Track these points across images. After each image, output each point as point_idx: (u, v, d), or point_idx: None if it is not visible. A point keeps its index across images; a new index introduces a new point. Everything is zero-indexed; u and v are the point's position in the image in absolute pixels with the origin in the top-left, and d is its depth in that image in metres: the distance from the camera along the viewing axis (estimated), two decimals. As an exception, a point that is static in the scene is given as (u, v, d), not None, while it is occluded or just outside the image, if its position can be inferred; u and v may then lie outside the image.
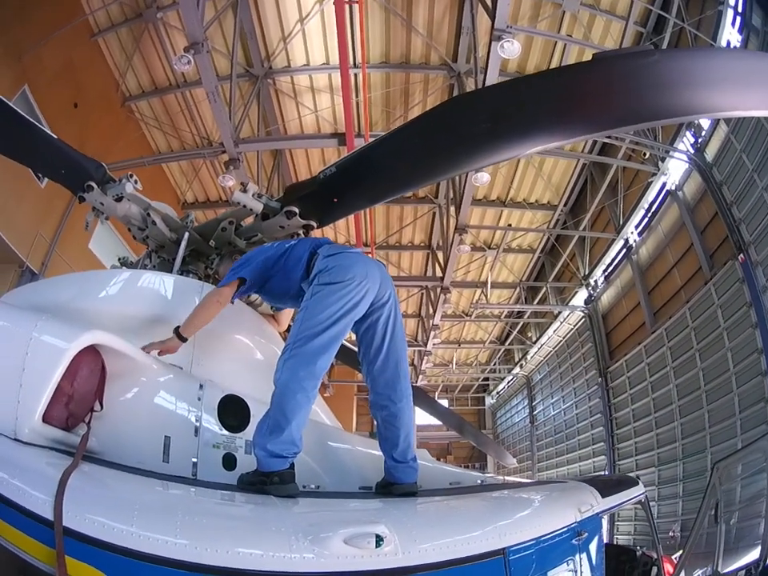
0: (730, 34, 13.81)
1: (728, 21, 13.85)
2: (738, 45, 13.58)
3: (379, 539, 2.38)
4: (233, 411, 3.65)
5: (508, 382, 37.97)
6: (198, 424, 3.50)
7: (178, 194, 21.30)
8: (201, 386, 3.62)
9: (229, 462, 3.52)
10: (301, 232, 4.89)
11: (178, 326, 3.56)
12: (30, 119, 4.68)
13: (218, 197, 21.71)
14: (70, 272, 14.29)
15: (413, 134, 3.98)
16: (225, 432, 3.59)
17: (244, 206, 4.84)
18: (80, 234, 15.23)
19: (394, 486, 3.58)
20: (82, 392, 3.05)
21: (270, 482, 3.07)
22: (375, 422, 3.78)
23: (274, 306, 4.74)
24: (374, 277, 3.57)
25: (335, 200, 4.62)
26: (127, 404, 3.35)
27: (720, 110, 3.41)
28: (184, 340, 3.54)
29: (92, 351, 3.06)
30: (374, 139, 4.23)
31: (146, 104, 18.19)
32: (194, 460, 3.39)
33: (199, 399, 3.57)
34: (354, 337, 3.85)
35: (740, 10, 13.55)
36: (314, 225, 4.88)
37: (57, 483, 2.28)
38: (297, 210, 4.69)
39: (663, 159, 17.42)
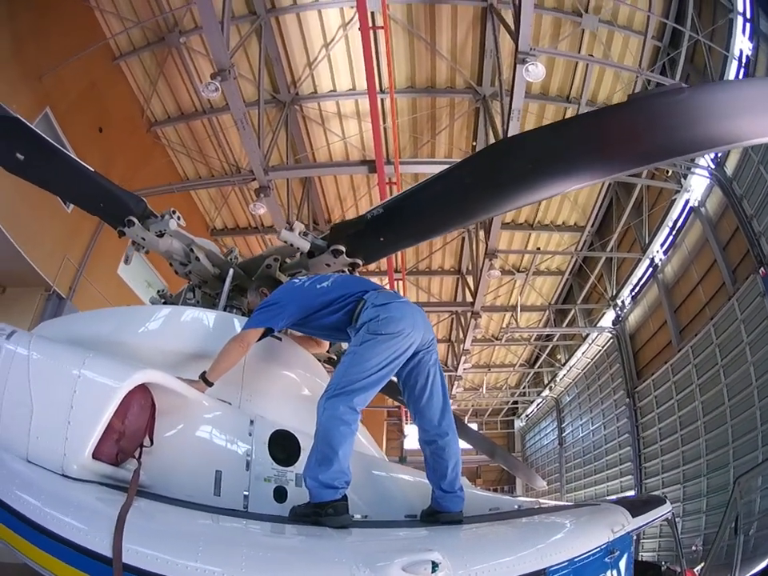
0: (742, 43, 13.86)
1: (738, 29, 13.89)
2: (749, 53, 13.62)
3: (435, 565, 2.43)
4: (283, 445, 3.73)
5: (537, 405, 37.92)
6: (249, 458, 3.56)
7: (206, 220, 21.33)
8: (251, 422, 3.69)
9: (280, 494, 3.58)
10: (346, 269, 4.97)
11: (205, 371, 3.60)
12: (70, 154, 4.75)
13: (247, 223, 21.74)
14: (98, 297, 14.47)
15: (459, 177, 4.13)
16: (276, 466, 3.65)
17: (291, 245, 4.89)
18: (108, 259, 15.39)
19: (440, 514, 3.66)
20: (132, 428, 3.09)
21: (325, 513, 3.14)
22: (423, 455, 3.84)
23: None
24: (419, 327, 3.71)
25: (382, 239, 4.76)
26: (178, 439, 3.40)
27: (747, 138, 3.47)
28: (210, 384, 3.60)
29: (142, 388, 3.10)
30: (421, 181, 4.36)
31: (173, 129, 18.23)
32: (246, 493, 3.45)
33: (250, 434, 3.63)
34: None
35: (748, 16, 13.55)
36: (360, 263, 4.98)
37: (114, 520, 2.30)
38: (343, 249, 4.79)
39: (685, 176, 17.43)
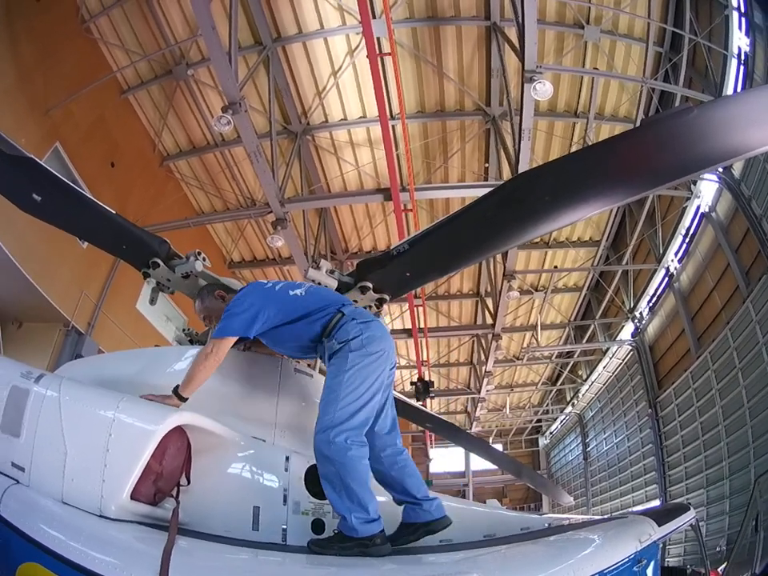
0: (739, 39, 13.85)
1: (735, 25, 13.86)
2: (747, 49, 13.63)
3: None
4: (319, 480, 3.70)
5: (561, 422, 37.75)
6: (286, 493, 3.62)
7: (223, 253, 21.25)
8: (287, 458, 3.75)
9: (318, 526, 3.64)
10: (373, 305, 4.99)
11: (177, 386, 3.50)
12: (89, 196, 4.75)
13: (264, 255, 21.69)
14: (117, 332, 14.48)
15: (481, 212, 4.17)
16: (313, 499, 3.71)
17: (319, 283, 4.89)
18: (126, 294, 15.48)
19: (429, 525, 3.62)
20: (168, 469, 3.15)
21: (373, 544, 3.19)
22: (385, 478, 3.75)
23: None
24: (392, 347, 3.83)
25: (408, 274, 4.83)
26: (215, 477, 3.48)
27: (755, 147, 3.49)
28: (184, 400, 3.49)
29: (178, 429, 3.15)
30: (443, 217, 4.44)
31: (185, 163, 18.20)
32: (284, 527, 3.51)
33: (286, 470, 3.70)
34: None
35: (743, 10, 13.52)
36: (387, 298, 5.01)
37: (158, 558, 2.36)
38: (371, 285, 4.84)
39: (695, 182, 17.33)
